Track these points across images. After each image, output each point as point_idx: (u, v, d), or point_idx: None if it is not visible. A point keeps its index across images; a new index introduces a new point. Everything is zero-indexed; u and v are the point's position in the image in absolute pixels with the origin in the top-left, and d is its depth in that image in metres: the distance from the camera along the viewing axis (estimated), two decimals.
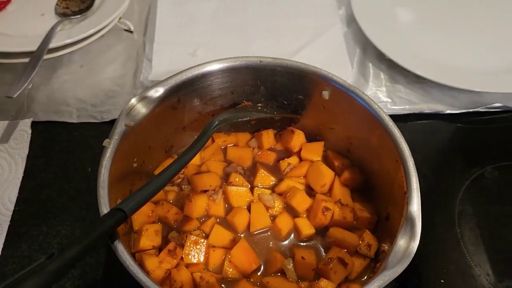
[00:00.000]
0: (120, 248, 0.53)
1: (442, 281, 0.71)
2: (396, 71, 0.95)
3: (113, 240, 0.54)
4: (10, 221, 0.75)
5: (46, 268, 0.45)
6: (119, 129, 0.63)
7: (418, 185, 0.59)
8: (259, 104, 0.75)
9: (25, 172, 0.80)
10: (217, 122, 0.68)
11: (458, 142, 0.88)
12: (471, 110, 0.90)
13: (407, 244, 0.55)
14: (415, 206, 0.58)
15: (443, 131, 0.89)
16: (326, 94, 0.71)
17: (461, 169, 0.83)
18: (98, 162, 0.81)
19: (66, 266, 0.47)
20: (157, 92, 0.66)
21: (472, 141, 0.88)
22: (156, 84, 0.67)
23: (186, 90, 0.70)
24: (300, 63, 0.71)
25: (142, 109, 0.65)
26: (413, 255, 0.53)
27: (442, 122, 0.90)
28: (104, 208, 0.56)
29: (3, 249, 0.72)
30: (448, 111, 0.90)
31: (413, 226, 0.56)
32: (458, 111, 0.90)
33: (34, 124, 0.86)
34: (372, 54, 0.98)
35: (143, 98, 0.65)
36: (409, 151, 0.62)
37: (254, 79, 0.73)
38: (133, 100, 0.64)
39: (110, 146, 0.61)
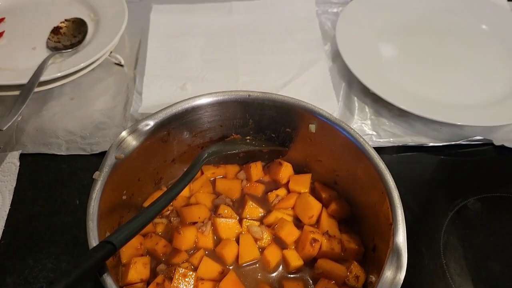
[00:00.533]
0: (109, 282, 0.53)
1: None
2: (380, 105, 0.97)
3: (102, 273, 0.54)
4: None
5: None
6: (109, 161, 0.63)
7: (403, 216, 0.61)
8: (248, 137, 0.77)
9: (12, 205, 0.80)
10: (206, 155, 0.69)
11: (441, 174, 0.90)
12: (453, 142, 0.92)
13: (394, 275, 0.55)
14: (401, 238, 0.59)
15: (426, 163, 0.92)
16: (312, 127, 0.73)
17: (445, 201, 0.85)
18: (87, 195, 0.81)
19: None
20: (148, 125, 0.68)
21: (455, 173, 0.90)
22: (146, 117, 0.68)
23: (176, 123, 0.71)
24: (288, 97, 0.73)
25: (132, 142, 0.66)
26: (400, 287, 0.54)
27: (425, 154, 0.93)
28: (93, 241, 0.56)
29: None
30: (431, 144, 0.92)
31: (399, 257, 0.57)
32: (440, 144, 0.92)
33: (22, 156, 0.86)
34: (357, 89, 1.01)
35: (133, 131, 0.66)
36: (394, 183, 0.64)
37: (243, 113, 0.75)
38: (124, 133, 0.65)
39: (100, 178, 0.62)
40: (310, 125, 0.73)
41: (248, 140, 0.76)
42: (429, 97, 0.97)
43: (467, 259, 0.77)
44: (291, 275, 0.70)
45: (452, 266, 0.76)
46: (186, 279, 0.66)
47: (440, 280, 0.75)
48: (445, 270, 0.76)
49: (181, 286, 0.66)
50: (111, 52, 0.99)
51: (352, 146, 0.69)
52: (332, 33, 1.13)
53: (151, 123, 0.68)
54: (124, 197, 0.69)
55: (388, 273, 0.55)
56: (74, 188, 0.83)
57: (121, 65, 1.02)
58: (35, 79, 0.86)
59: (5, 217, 0.78)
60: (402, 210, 0.61)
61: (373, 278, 0.66)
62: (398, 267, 0.56)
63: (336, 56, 1.07)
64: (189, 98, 0.71)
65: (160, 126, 0.69)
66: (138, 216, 0.58)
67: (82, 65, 0.91)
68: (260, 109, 0.74)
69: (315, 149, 0.76)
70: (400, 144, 0.92)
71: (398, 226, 0.60)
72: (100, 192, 0.61)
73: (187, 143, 0.76)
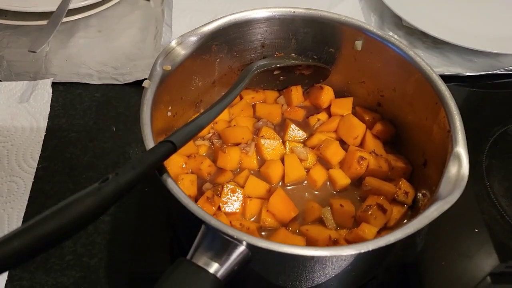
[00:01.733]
0: (170, 181, 0.52)
1: (476, 230, 0.71)
2: (414, 37, 0.96)
3: (161, 173, 0.52)
4: (34, 178, 0.72)
5: (102, 190, 0.44)
6: (157, 71, 0.61)
7: (462, 122, 0.60)
8: (292, 54, 0.75)
9: (47, 131, 0.78)
10: (255, 68, 0.68)
11: (478, 103, 0.89)
12: (489, 72, 0.91)
13: (457, 174, 0.54)
14: (461, 142, 0.57)
15: (463, 93, 0.91)
16: (359, 44, 0.71)
17: (485, 127, 0.84)
18: (122, 122, 0.80)
19: (121, 190, 0.45)
20: (194, 37, 0.65)
21: (492, 102, 0.89)
22: (192, 30, 0.66)
23: (219, 39, 0.69)
24: (334, 13, 0.71)
25: (181, 52, 0.64)
26: (465, 183, 0.53)
27: (461, 86, 0.92)
28: (150, 143, 0.54)
29: (27, 206, 0.70)
30: (468, 73, 0.91)
31: (460, 159, 0.56)
32: (477, 73, 0.91)
33: (54, 85, 0.84)
34: (389, 22, 0.99)
35: (181, 43, 0.64)
36: (449, 92, 0.62)
37: (286, 31, 0.72)
38: (173, 43, 0.63)
39: (150, 86, 0.60)
40: (356, 42, 0.71)
41: (293, 56, 0.74)
42: (464, 27, 0.95)
43: (510, 181, 0.77)
44: (339, 193, 0.69)
45: (496, 187, 0.76)
46: (235, 195, 0.66)
47: (485, 200, 0.75)
48: (489, 192, 0.75)
49: (230, 201, 0.65)
50: None
51: (401, 61, 0.67)
52: None
53: (197, 36, 0.66)
54: (169, 114, 0.67)
55: (451, 172, 0.54)
56: (109, 116, 0.81)
57: (147, 0, 0.99)
58: (64, 6, 0.84)
59: (41, 142, 0.76)
60: (460, 117, 0.60)
61: (424, 192, 0.65)
62: (460, 166, 0.55)
63: None
64: (233, 13, 0.69)
65: (205, 40, 0.67)
66: (195, 119, 0.56)
67: None
68: (304, 27, 0.72)
69: (359, 69, 0.74)
70: None
71: (458, 132, 0.59)
72: (151, 100, 0.59)
73: (228, 64, 0.74)
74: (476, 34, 0.93)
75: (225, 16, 0.68)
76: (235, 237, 0.48)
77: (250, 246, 0.48)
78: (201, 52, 0.68)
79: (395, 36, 0.95)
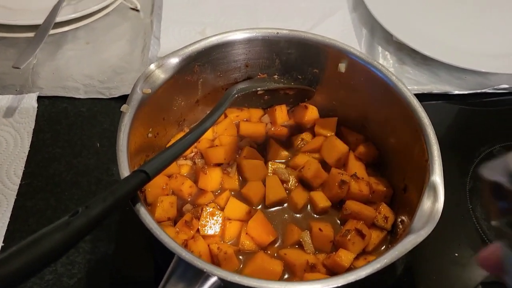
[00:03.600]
0: (142, 211, 0.52)
1: (456, 254, 0.71)
2: (404, 53, 0.95)
3: (134, 203, 0.52)
4: (17, 195, 0.73)
5: (71, 224, 0.44)
6: (136, 95, 0.62)
7: (440, 152, 0.59)
8: (275, 76, 0.74)
9: (31, 147, 0.78)
10: (235, 91, 0.68)
11: (466, 122, 0.89)
12: (478, 91, 0.90)
13: (432, 207, 0.54)
14: (438, 172, 0.58)
15: (451, 112, 0.90)
16: (342, 66, 0.70)
17: (471, 148, 0.83)
18: (107, 138, 0.80)
19: (90, 223, 0.46)
20: (175, 59, 0.65)
21: (480, 121, 0.89)
22: (173, 52, 0.66)
23: (202, 60, 0.69)
24: (317, 35, 0.71)
25: (160, 76, 0.64)
26: (438, 218, 0.53)
27: (450, 103, 0.91)
28: (125, 172, 0.55)
29: (9, 223, 0.70)
30: (456, 92, 0.90)
31: (436, 190, 0.56)
32: (466, 92, 0.90)
33: (40, 99, 0.84)
34: (380, 36, 0.98)
35: (161, 65, 0.64)
36: (429, 120, 0.62)
37: (270, 52, 0.72)
38: (152, 66, 0.63)
39: (128, 111, 0.60)
40: (339, 64, 0.70)
41: (276, 78, 0.74)
42: (454, 44, 0.94)
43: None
44: (319, 216, 0.69)
45: (478, 211, 0.76)
46: (214, 218, 0.66)
47: (466, 224, 0.74)
48: (471, 215, 0.75)
49: (209, 224, 0.65)
50: None
51: (384, 85, 0.67)
52: None
53: (178, 58, 0.66)
54: (149, 135, 0.68)
55: (425, 206, 0.55)
56: (94, 131, 0.81)
57: (137, 10, 0.99)
58: (51, 19, 0.84)
59: (25, 158, 0.76)
60: (438, 146, 0.60)
61: (403, 219, 0.65)
62: (435, 199, 0.55)
63: (358, 4, 1.04)
64: (217, 34, 0.69)
65: (187, 62, 0.67)
66: (170, 147, 0.56)
67: (97, 7, 0.89)
68: (288, 48, 0.72)
69: (343, 91, 0.74)
70: (425, 92, 0.90)
71: (435, 161, 0.59)
72: (129, 125, 0.59)
73: (211, 83, 0.73)
74: (466, 52, 0.93)
75: (207, 37, 0.68)
76: (205, 270, 0.48)
77: (221, 279, 0.49)
78: (183, 73, 0.68)
79: (381, 59, 0.95)
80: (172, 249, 0.49)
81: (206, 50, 0.68)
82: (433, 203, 0.55)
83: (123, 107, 0.60)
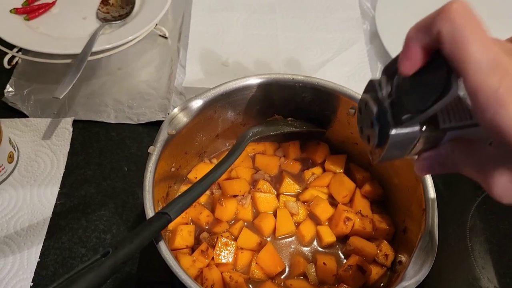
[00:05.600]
0: (164, 249, 0.59)
1: None
2: None
3: (157, 241, 0.59)
4: (52, 214, 0.81)
5: (104, 264, 0.51)
6: (162, 136, 0.68)
7: (436, 204, 0.64)
8: (289, 118, 0.80)
9: (66, 168, 0.86)
10: (251, 134, 0.74)
11: None
12: None
13: (425, 258, 0.59)
14: (434, 225, 0.62)
15: None
16: (352, 111, 0.76)
17: (474, 186, 0.88)
18: (134, 162, 0.87)
19: (119, 262, 0.52)
20: (197, 103, 0.72)
21: None
22: (196, 96, 0.72)
23: (222, 102, 0.75)
24: (330, 82, 0.76)
25: (183, 119, 0.70)
26: (429, 270, 0.58)
27: None
28: (150, 211, 0.61)
29: (45, 240, 0.78)
30: None
31: (430, 242, 0.61)
32: None
33: (74, 123, 0.91)
34: None
35: (184, 108, 0.71)
36: None
37: (285, 95, 0.78)
38: (175, 110, 0.70)
39: (155, 152, 0.67)
40: (349, 109, 0.76)
41: (289, 121, 0.80)
42: None
43: (491, 243, 0.81)
44: (324, 249, 0.75)
45: (477, 248, 0.80)
46: (228, 248, 0.72)
47: (464, 260, 0.79)
48: (470, 253, 0.80)
49: (223, 254, 0.72)
50: (156, 24, 1.02)
51: None
52: (371, 13, 1.13)
53: (200, 101, 0.72)
54: (172, 169, 0.75)
55: (419, 256, 0.60)
56: (122, 155, 0.89)
57: (165, 37, 1.05)
58: (88, 49, 0.90)
59: (60, 179, 0.84)
60: (435, 198, 0.65)
61: (402, 258, 0.71)
62: (429, 251, 0.60)
63: (374, 37, 1.08)
64: (237, 79, 0.74)
65: (208, 104, 0.73)
66: (190, 189, 0.63)
67: (131, 37, 0.95)
68: (302, 92, 0.77)
69: (352, 132, 0.79)
70: None
71: (430, 213, 0.63)
72: (155, 166, 0.66)
73: (231, 120, 0.80)
74: None
75: (227, 82, 0.73)
76: None
77: None
78: (205, 113, 0.74)
79: None
80: (188, 286, 0.56)
81: (226, 93, 0.74)
82: (427, 254, 0.60)
83: (150, 149, 0.67)
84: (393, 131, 0.41)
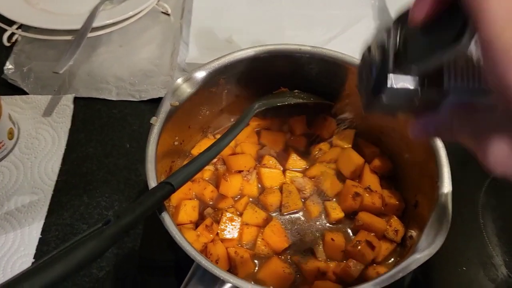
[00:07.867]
0: (167, 219, 0.57)
1: (464, 268, 0.74)
2: None
3: (160, 211, 0.57)
4: (53, 190, 0.79)
5: (104, 232, 0.49)
6: (165, 107, 0.66)
7: (450, 175, 0.62)
8: (296, 90, 0.78)
9: (67, 145, 0.84)
10: (256, 106, 0.71)
11: None
12: None
13: (438, 229, 0.57)
14: (447, 196, 0.60)
15: None
16: None
17: None
18: (136, 140, 0.86)
19: (121, 231, 0.50)
20: (201, 74, 0.69)
21: None
22: (200, 66, 0.70)
23: (226, 74, 0.72)
24: (338, 52, 0.73)
25: (187, 90, 0.68)
26: (443, 240, 0.56)
27: None
28: (152, 182, 0.59)
29: (46, 217, 0.76)
30: None
31: (443, 214, 0.59)
32: None
33: (76, 100, 0.89)
34: None
35: (188, 79, 0.68)
36: (442, 142, 0.65)
37: (292, 67, 0.75)
38: (179, 81, 0.67)
39: (157, 123, 0.64)
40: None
41: (296, 93, 0.77)
42: None
43: (504, 220, 0.79)
44: (332, 225, 0.73)
45: (490, 226, 0.78)
46: (233, 223, 0.70)
47: (476, 239, 0.77)
48: (482, 230, 0.78)
49: (228, 229, 0.70)
50: (158, 1, 1.00)
51: None
52: None
53: (204, 72, 0.69)
54: (175, 143, 0.72)
55: (431, 229, 0.57)
56: (124, 132, 0.87)
57: (168, 14, 1.03)
58: (88, 25, 0.89)
59: (61, 157, 0.82)
60: (449, 169, 0.62)
61: (413, 233, 0.68)
62: (441, 224, 0.57)
63: (382, 12, 1.05)
64: (241, 50, 0.72)
65: (213, 76, 0.70)
66: (194, 160, 0.61)
67: (131, 13, 0.93)
68: (309, 63, 0.74)
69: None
70: None
71: (444, 185, 0.61)
72: (157, 137, 0.64)
73: (235, 93, 0.77)
74: None
75: (232, 52, 0.71)
76: (221, 278, 0.53)
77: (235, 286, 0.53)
78: (209, 86, 0.72)
79: None
80: (193, 256, 0.54)
81: (231, 64, 0.71)
82: (439, 227, 0.57)
83: (153, 120, 0.65)
84: (392, 77, 0.39)
